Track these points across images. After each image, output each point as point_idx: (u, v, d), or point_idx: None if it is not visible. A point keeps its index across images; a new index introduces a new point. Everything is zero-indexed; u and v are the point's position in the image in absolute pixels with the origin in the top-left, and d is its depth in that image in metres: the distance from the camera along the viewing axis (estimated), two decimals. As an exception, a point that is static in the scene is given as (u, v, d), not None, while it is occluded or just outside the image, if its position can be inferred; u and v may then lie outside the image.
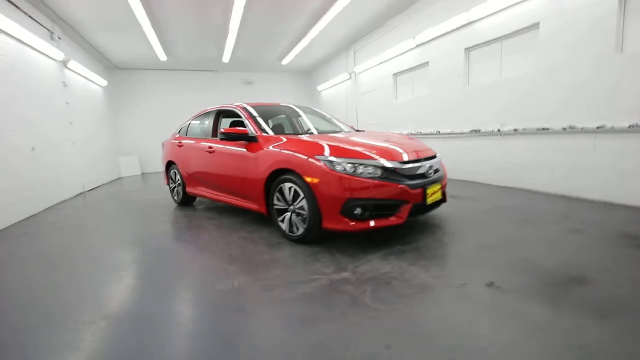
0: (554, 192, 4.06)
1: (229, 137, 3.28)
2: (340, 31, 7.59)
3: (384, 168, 2.50)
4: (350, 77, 9.14)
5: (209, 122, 4.08)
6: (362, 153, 2.56)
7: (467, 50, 5.19)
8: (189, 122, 4.63)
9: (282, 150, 2.84)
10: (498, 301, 1.71)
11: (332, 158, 2.51)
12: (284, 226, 2.86)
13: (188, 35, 7.34)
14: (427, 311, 1.66)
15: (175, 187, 4.73)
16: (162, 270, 2.35)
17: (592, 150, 3.61)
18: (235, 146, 3.38)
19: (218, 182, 3.73)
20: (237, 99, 11.23)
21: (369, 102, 8.32)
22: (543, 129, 4.05)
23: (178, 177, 4.55)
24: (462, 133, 5.34)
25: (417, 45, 6.19)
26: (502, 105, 4.64)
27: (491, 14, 4.65)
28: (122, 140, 10.29)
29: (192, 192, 4.31)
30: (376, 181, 2.44)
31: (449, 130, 5.62)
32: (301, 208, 2.65)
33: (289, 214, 2.79)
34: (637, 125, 3.18)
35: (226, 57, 9.18)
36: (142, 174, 10.38)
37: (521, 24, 4.27)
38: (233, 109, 3.75)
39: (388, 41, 7.07)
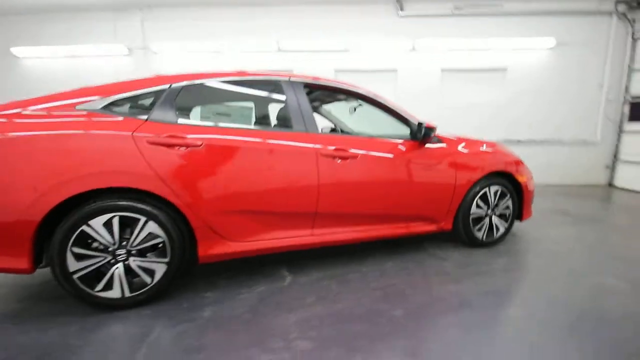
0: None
1: (429, 135, 2.25)
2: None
3: None
4: (131, 53, 6.38)
5: (301, 104, 2.04)
6: None
7: (337, 71, 6.16)
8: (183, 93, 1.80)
9: (486, 150, 2.66)
10: None
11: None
12: (480, 234, 2.64)
13: None
14: None
15: (114, 261, 1.63)
16: None
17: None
18: (385, 148, 2.29)
19: (352, 208, 2.14)
20: None
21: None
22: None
23: (161, 231, 1.68)
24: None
25: (280, 51, 6.09)
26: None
27: (360, 51, 6.02)
28: None
29: (239, 251, 1.88)
30: None
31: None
32: (506, 208, 2.70)
33: (487, 219, 2.65)
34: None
35: None
36: None
37: (383, 67, 6.06)
38: (350, 88, 2.34)
39: (222, 30, 6.09)
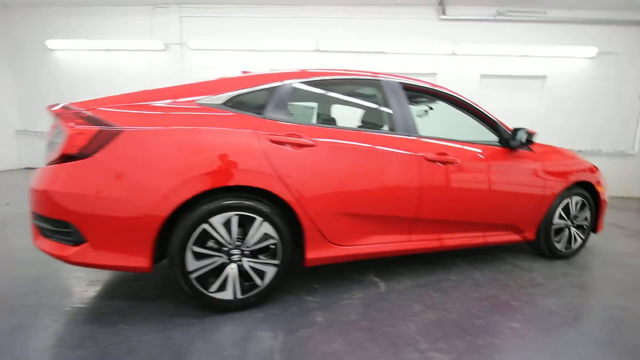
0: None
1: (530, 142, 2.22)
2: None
3: None
4: (167, 49, 6.35)
5: (404, 106, 2.01)
6: None
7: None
8: (291, 89, 1.77)
9: (570, 160, 2.64)
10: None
11: None
12: (560, 245, 2.58)
13: None
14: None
15: (229, 262, 1.59)
16: None
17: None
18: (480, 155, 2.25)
19: (450, 214, 2.10)
20: None
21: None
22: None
23: (275, 232, 1.63)
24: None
25: (318, 51, 6.05)
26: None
27: (400, 54, 5.98)
28: None
29: (342, 255, 1.83)
30: None
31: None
32: (585, 219, 2.64)
33: (567, 230, 2.59)
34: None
35: None
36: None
37: (423, 70, 6.00)
38: (445, 91, 2.31)
39: (259, 29, 6.06)
